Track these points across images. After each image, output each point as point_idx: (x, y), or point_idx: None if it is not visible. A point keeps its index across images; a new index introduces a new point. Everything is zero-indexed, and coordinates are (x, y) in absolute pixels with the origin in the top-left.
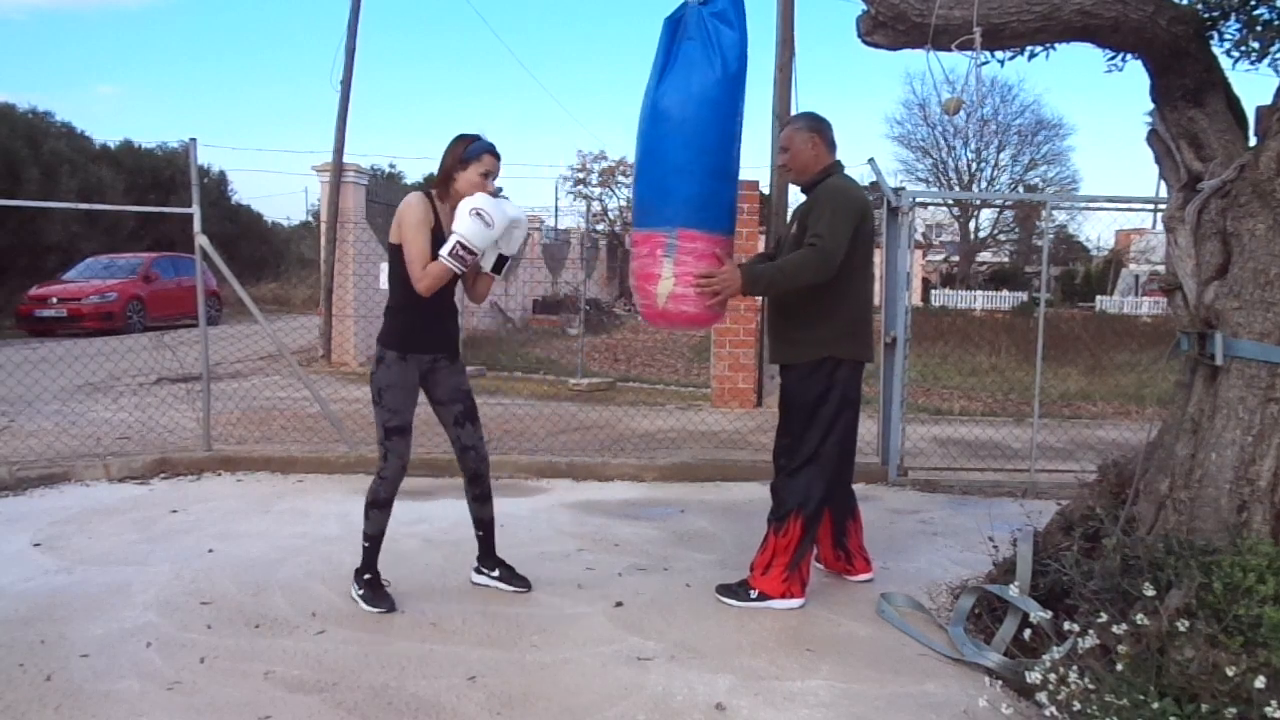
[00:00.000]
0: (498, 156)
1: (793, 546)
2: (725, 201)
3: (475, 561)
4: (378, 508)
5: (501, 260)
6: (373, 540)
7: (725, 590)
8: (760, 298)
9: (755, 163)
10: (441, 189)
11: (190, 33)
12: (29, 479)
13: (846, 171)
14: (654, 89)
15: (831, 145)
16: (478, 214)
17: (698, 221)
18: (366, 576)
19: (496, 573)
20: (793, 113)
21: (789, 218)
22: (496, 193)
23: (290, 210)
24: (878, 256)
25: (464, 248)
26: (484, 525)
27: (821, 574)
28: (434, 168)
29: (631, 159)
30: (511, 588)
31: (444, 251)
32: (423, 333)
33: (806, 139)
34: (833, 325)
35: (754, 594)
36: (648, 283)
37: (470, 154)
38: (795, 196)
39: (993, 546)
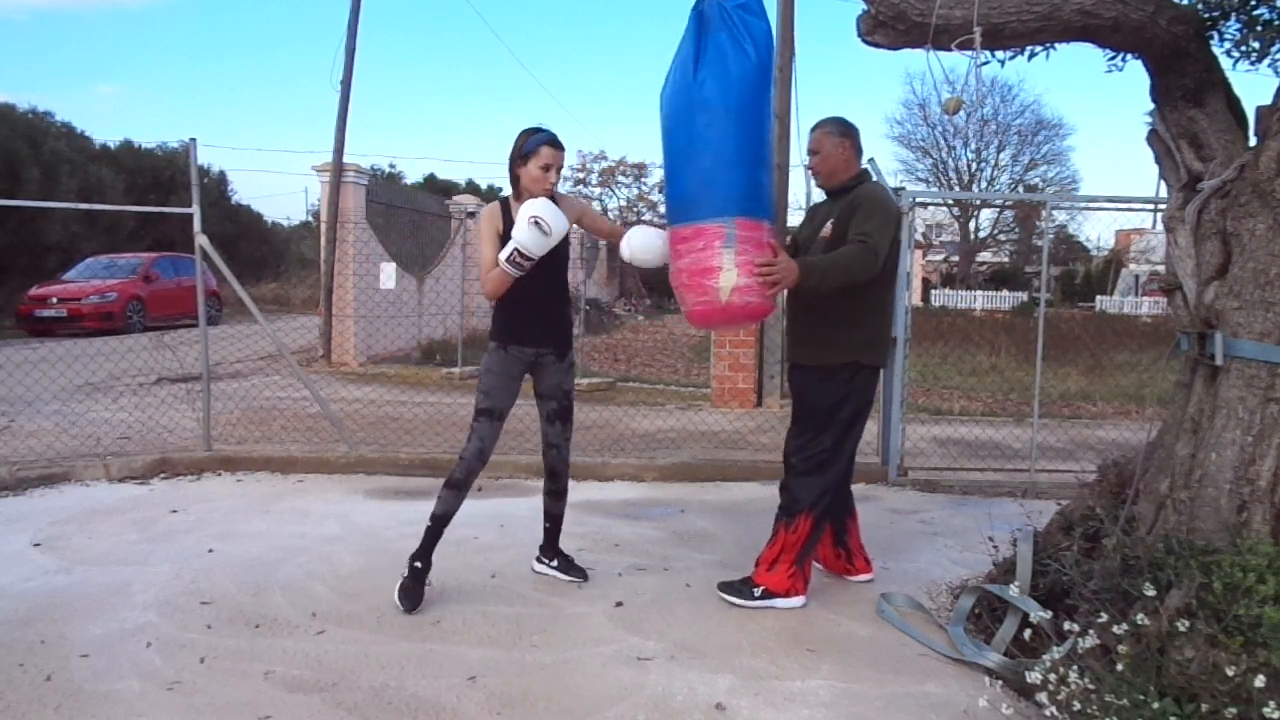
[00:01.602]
0: (559, 147)
1: (801, 543)
2: (769, 189)
3: (538, 552)
4: (450, 487)
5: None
6: (436, 521)
7: (727, 588)
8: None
9: None
10: (514, 189)
11: (190, 33)
12: (29, 479)
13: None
14: (690, 79)
15: (860, 151)
16: (535, 222)
17: (752, 210)
18: (417, 565)
19: (555, 563)
20: (792, 113)
21: (809, 217)
22: (552, 192)
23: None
24: None
25: (521, 255)
26: (554, 519)
27: (821, 574)
28: (434, 168)
29: (633, 158)
30: (568, 577)
31: (502, 257)
32: (521, 327)
33: (837, 144)
34: (864, 330)
35: (758, 591)
36: (706, 277)
37: (529, 149)
38: (795, 195)
39: (993, 546)
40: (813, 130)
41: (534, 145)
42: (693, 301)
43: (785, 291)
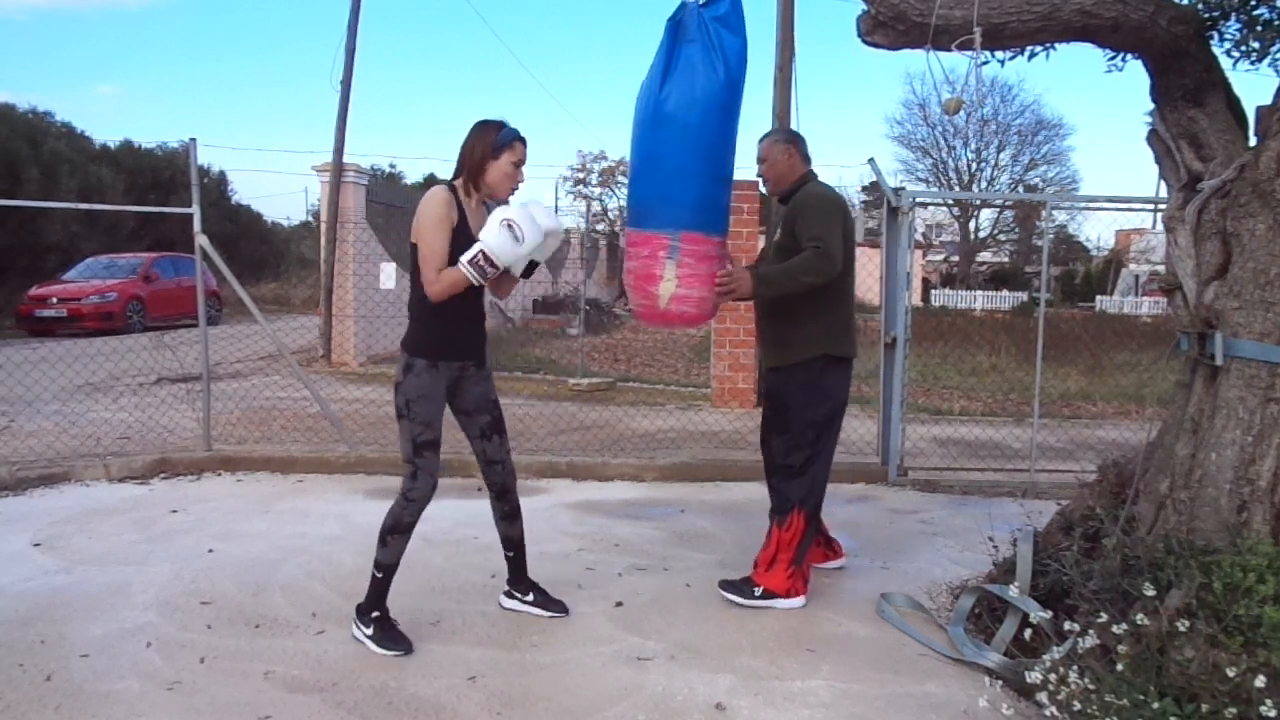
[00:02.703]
0: (526, 144)
1: (796, 541)
2: (723, 204)
3: (506, 585)
4: (399, 533)
5: (531, 265)
6: (385, 571)
7: (728, 586)
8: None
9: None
10: (469, 182)
11: (190, 33)
12: (29, 479)
13: (840, 176)
14: (656, 92)
15: (806, 157)
16: (509, 226)
17: (700, 224)
18: (375, 615)
19: (530, 597)
20: (793, 113)
21: (772, 227)
22: (517, 188)
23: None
24: (877, 256)
25: (487, 259)
26: (514, 545)
27: (822, 574)
28: (434, 167)
29: (628, 160)
30: (548, 613)
31: (465, 258)
32: (453, 338)
33: (782, 150)
34: (824, 323)
35: (758, 591)
36: (648, 284)
37: (501, 142)
38: None
39: (993, 546)
40: (760, 140)
41: (508, 138)
42: (636, 301)
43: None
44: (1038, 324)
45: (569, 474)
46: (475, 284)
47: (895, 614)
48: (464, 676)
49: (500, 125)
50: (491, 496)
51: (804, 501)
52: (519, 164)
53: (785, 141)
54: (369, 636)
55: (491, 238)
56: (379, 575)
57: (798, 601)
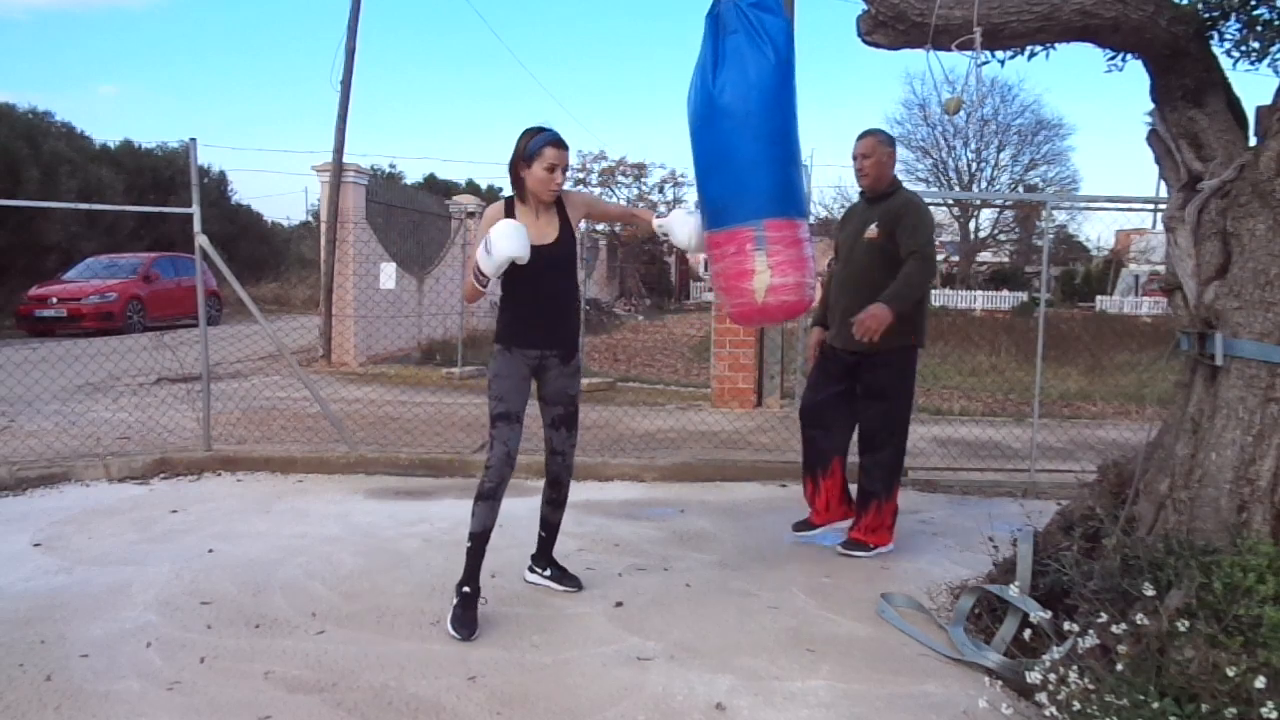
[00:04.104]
0: (563, 146)
1: (896, 507)
2: (799, 185)
3: (530, 561)
4: (481, 499)
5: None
6: (474, 540)
7: (853, 545)
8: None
9: None
10: (517, 190)
11: (190, 33)
12: (29, 479)
13: (840, 176)
14: (709, 86)
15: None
16: (485, 241)
17: (782, 209)
18: (465, 590)
19: (549, 572)
20: None
21: (845, 221)
22: (558, 193)
23: (290, 210)
24: None
25: (477, 270)
26: (550, 528)
27: (822, 574)
28: (434, 168)
29: (633, 158)
30: (563, 587)
31: (470, 265)
32: (525, 329)
33: (886, 152)
34: (917, 316)
35: (873, 549)
36: (742, 280)
37: (532, 149)
38: None
39: (993, 546)
40: (864, 136)
41: (538, 146)
42: (732, 304)
43: (822, 286)
44: (1038, 324)
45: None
46: (480, 287)
47: (895, 614)
48: (464, 676)
49: (536, 132)
50: (546, 483)
51: (902, 473)
52: (552, 169)
53: (888, 144)
54: (452, 607)
55: (477, 252)
56: (469, 544)
57: (891, 546)
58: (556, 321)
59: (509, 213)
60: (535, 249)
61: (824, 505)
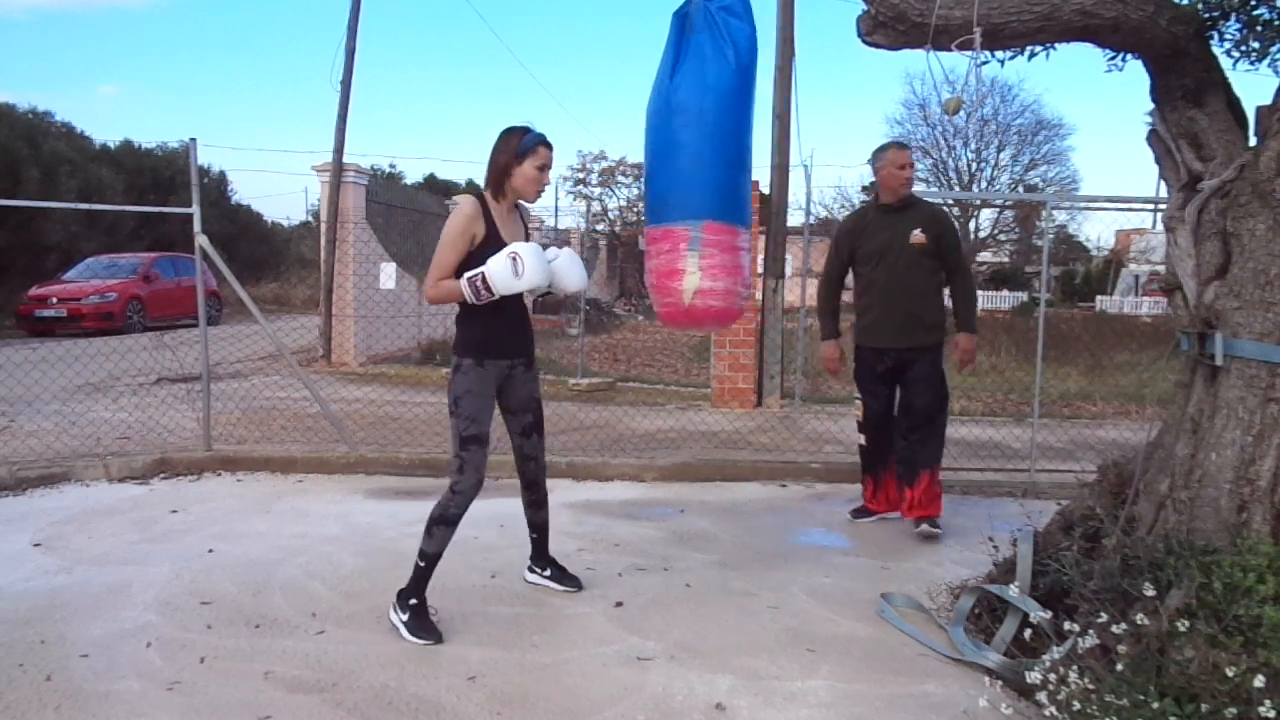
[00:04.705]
0: (550, 147)
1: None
2: (744, 193)
3: (529, 561)
4: (445, 524)
5: (546, 291)
6: (429, 560)
7: (931, 524)
8: (765, 299)
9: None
10: (495, 188)
11: (190, 33)
12: (29, 479)
13: (840, 176)
14: (666, 82)
15: None
16: (513, 259)
17: (722, 213)
18: (413, 602)
19: (548, 572)
20: (792, 113)
21: (875, 228)
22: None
23: (290, 210)
24: None
25: (485, 283)
26: (539, 528)
27: (822, 574)
28: (434, 168)
29: (633, 158)
30: (563, 587)
31: (468, 275)
32: (499, 338)
33: (912, 165)
34: (943, 317)
35: (938, 521)
36: (671, 279)
37: (525, 146)
38: (797, 195)
39: (993, 546)
40: (903, 148)
41: (531, 143)
42: (660, 303)
43: (825, 298)
44: (1038, 324)
45: (569, 474)
46: (474, 301)
47: (895, 614)
48: (464, 676)
49: (525, 131)
50: (522, 487)
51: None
52: (543, 168)
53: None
54: (404, 622)
55: (495, 265)
56: (422, 564)
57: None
58: (523, 327)
59: (485, 210)
60: None
61: (884, 500)
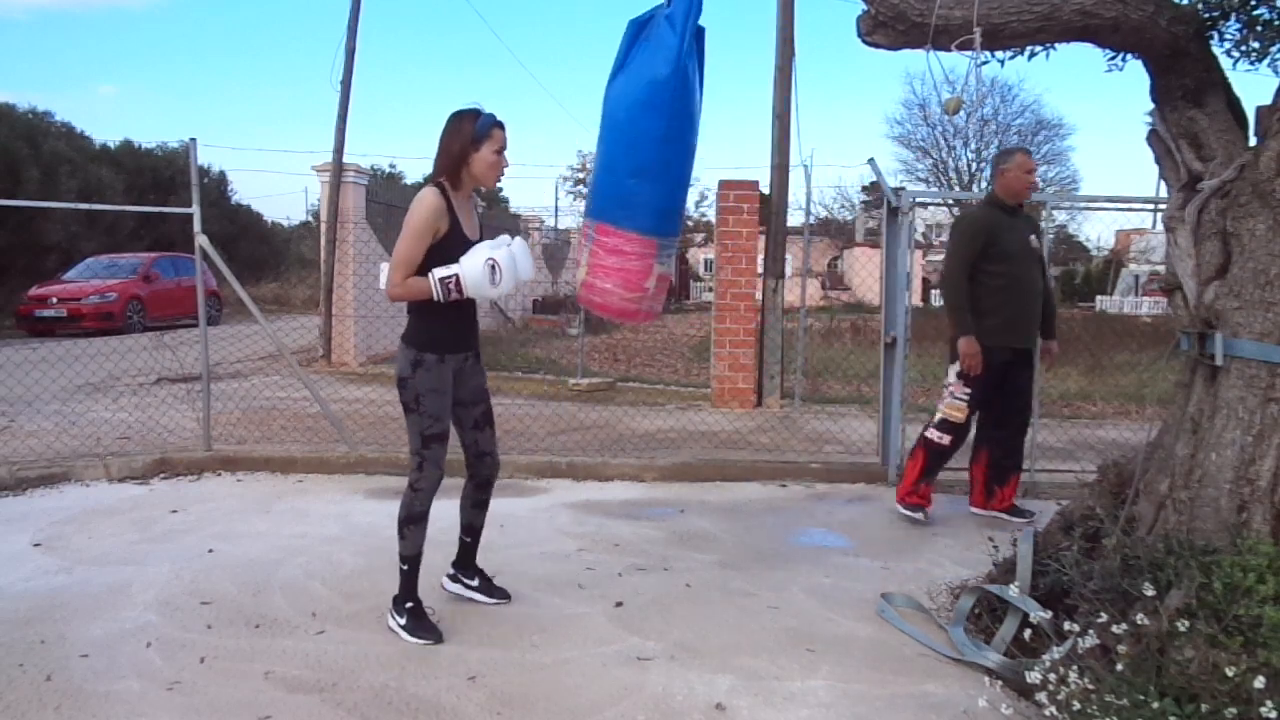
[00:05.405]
0: (504, 128)
1: None
2: (646, 201)
3: (451, 568)
4: (413, 523)
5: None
6: (410, 562)
7: (1021, 514)
8: (765, 299)
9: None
10: (453, 177)
11: (190, 33)
12: (29, 479)
13: (840, 176)
14: (608, 85)
15: None
16: (491, 267)
17: (610, 217)
18: (408, 605)
19: (476, 582)
20: (792, 113)
21: (1008, 226)
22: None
23: (290, 210)
24: (877, 257)
25: (458, 285)
26: (474, 532)
27: (822, 574)
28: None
29: None
30: (491, 600)
31: (438, 274)
32: (459, 332)
33: None
34: None
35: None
36: (576, 266)
37: (480, 131)
38: (797, 195)
39: (993, 546)
40: (1029, 154)
41: (485, 127)
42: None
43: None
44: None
45: (569, 474)
46: (441, 299)
47: (895, 614)
48: (464, 676)
49: (476, 114)
50: (471, 485)
51: None
52: (501, 150)
53: None
54: (402, 626)
55: (472, 270)
56: (405, 568)
57: None
58: (474, 319)
59: (450, 210)
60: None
61: (929, 492)
